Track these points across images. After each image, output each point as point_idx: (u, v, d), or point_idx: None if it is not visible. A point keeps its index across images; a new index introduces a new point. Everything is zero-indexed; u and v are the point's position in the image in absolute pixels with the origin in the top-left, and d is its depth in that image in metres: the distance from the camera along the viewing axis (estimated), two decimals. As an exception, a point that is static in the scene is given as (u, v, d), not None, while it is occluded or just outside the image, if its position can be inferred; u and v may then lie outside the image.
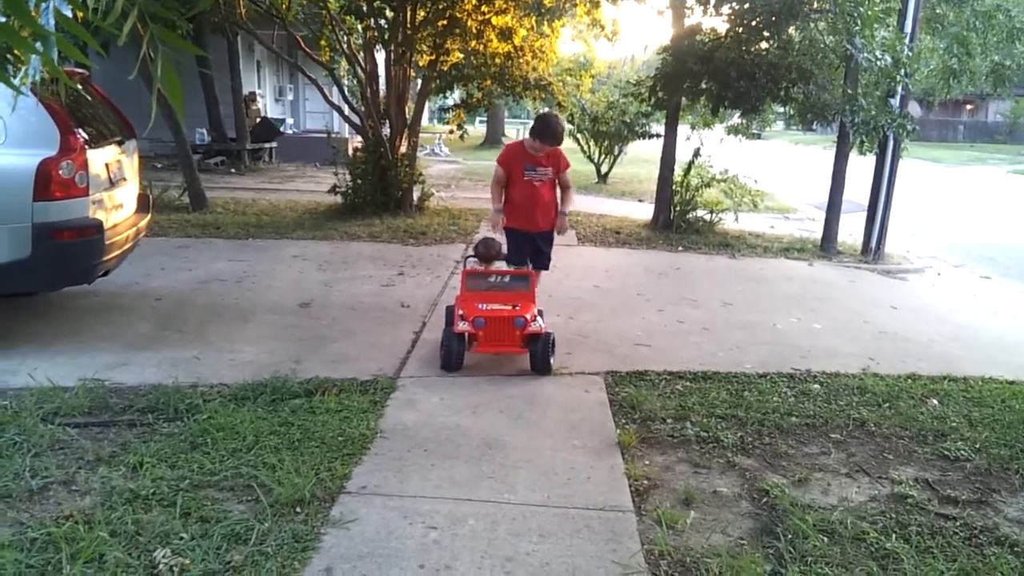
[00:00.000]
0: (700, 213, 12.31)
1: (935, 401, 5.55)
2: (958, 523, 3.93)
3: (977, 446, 4.82)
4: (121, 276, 7.24)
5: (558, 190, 6.62)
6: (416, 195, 12.80)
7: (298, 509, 3.70)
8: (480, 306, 5.72)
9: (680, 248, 11.04)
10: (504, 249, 6.50)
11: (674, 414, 5.07)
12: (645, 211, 13.73)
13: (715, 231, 12.13)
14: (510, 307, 5.74)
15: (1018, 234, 15.25)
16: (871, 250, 11.04)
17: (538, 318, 5.80)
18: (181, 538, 3.41)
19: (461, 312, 5.74)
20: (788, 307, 8.06)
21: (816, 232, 12.10)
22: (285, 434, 4.45)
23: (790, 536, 3.69)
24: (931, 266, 11.10)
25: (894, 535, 3.75)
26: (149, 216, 7.27)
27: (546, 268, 6.78)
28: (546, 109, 5.74)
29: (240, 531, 3.48)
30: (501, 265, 6.40)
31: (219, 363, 5.65)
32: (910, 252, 11.89)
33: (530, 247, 6.56)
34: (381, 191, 12.09)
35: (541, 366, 5.64)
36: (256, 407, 4.80)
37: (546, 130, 6.19)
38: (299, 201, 13.51)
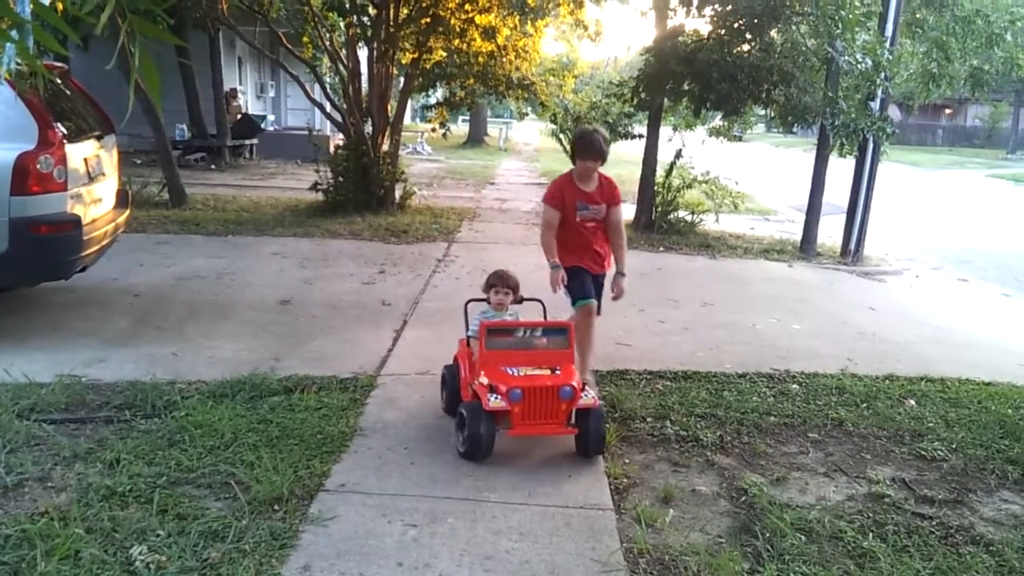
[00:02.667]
0: (681, 214, 12.37)
1: (912, 402, 5.59)
2: (934, 522, 3.97)
3: (953, 446, 4.86)
4: (99, 272, 7.17)
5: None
6: (398, 193, 12.78)
7: (276, 507, 3.68)
8: (510, 371, 4.36)
9: (661, 248, 11.07)
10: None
11: (654, 413, 5.08)
12: (627, 211, 13.69)
13: (696, 232, 12.17)
14: (549, 371, 4.41)
15: (995, 237, 15.41)
16: (850, 252, 11.12)
17: (587, 387, 4.45)
18: (158, 535, 3.38)
19: (487, 381, 4.29)
20: (768, 308, 8.10)
21: (796, 234, 12.17)
22: (264, 431, 4.43)
23: (768, 534, 3.71)
24: (909, 268, 11.19)
25: (871, 534, 3.78)
26: (128, 212, 7.22)
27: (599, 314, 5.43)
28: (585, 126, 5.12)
29: (218, 528, 3.46)
30: (524, 314, 5.08)
31: (197, 360, 5.61)
32: (889, 254, 11.97)
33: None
34: (363, 189, 12.06)
35: (595, 448, 4.36)
36: (234, 404, 4.77)
37: (588, 145, 5.09)
38: (280, 198, 13.44)
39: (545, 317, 5.08)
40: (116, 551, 3.26)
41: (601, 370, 5.87)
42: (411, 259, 9.40)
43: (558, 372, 4.40)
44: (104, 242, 6.48)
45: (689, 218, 12.36)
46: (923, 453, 4.76)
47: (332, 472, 4.06)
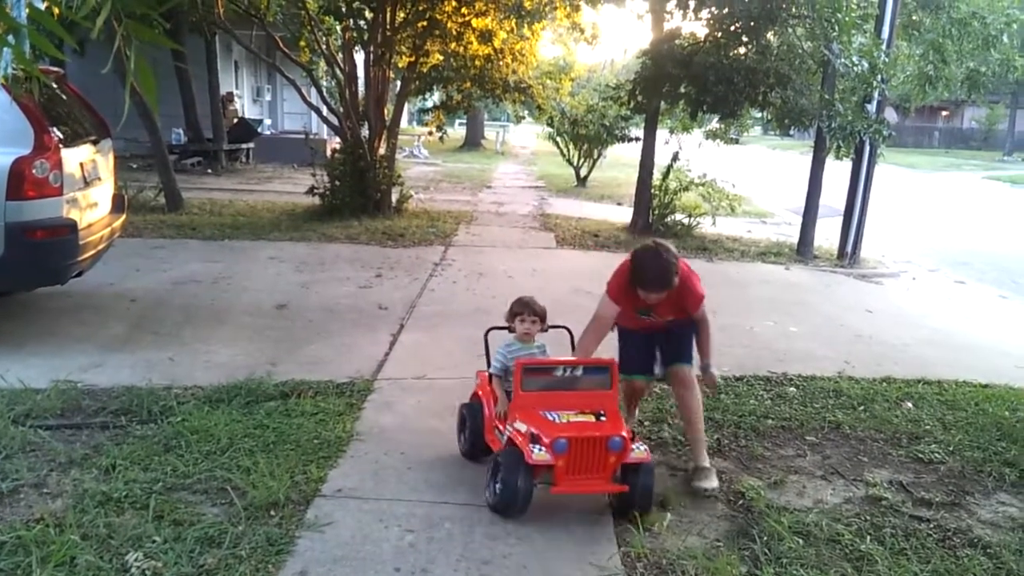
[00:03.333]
0: (678, 217, 12.37)
1: (909, 404, 5.59)
2: (932, 525, 3.96)
3: (951, 449, 4.86)
4: (95, 277, 7.15)
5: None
6: (395, 197, 12.78)
7: (272, 512, 3.67)
8: (550, 416, 3.81)
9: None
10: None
11: (652, 416, 5.08)
12: (624, 214, 13.77)
13: (693, 235, 12.17)
14: (593, 416, 3.85)
15: (992, 239, 15.42)
16: (847, 254, 11.12)
17: (636, 437, 3.92)
18: (154, 541, 3.37)
19: (526, 428, 3.76)
20: (765, 311, 8.10)
21: (793, 236, 12.17)
22: (260, 437, 4.41)
23: (766, 538, 3.71)
24: (906, 270, 11.19)
25: (869, 537, 3.78)
26: (124, 216, 7.21)
27: (690, 361, 4.50)
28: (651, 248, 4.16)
29: (214, 534, 3.45)
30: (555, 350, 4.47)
31: (194, 365, 5.60)
32: (885, 256, 11.98)
33: (659, 343, 4.55)
34: (359, 193, 12.05)
35: (640, 506, 3.81)
36: (231, 409, 4.75)
37: (641, 273, 4.14)
38: (276, 202, 13.43)
39: (573, 347, 4.52)
40: (112, 557, 3.25)
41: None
42: (408, 263, 9.39)
43: (603, 418, 3.85)
44: (100, 247, 6.46)
45: (686, 221, 12.36)
46: (920, 456, 4.76)
47: (329, 477, 4.05)
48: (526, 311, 4.35)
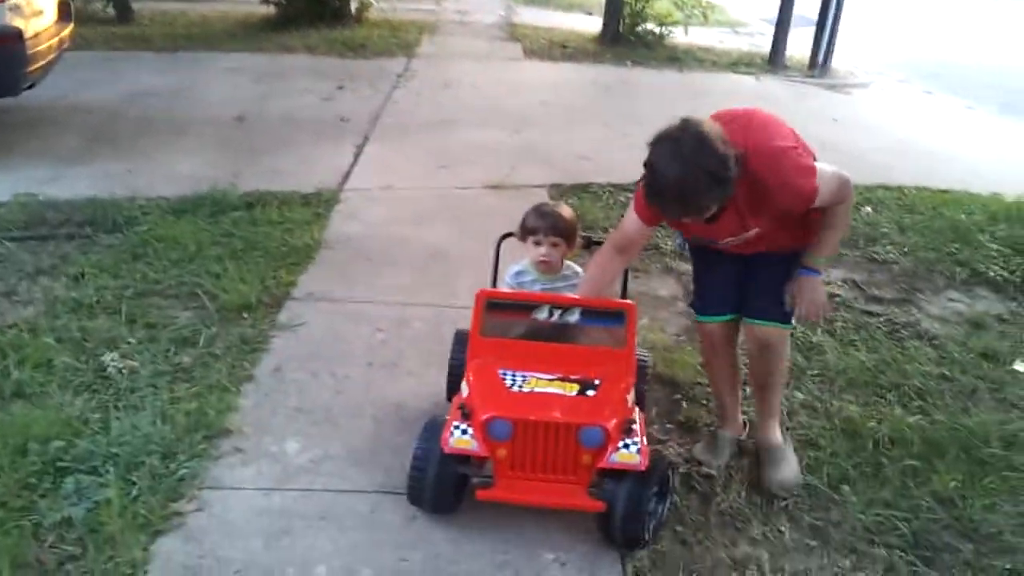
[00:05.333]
0: (650, 26, 12.01)
1: (869, 208, 5.69)
2: (882, 319, 4.15)
3: (905, 250, 5.01)
4: (47, 90, 6.87)
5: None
6: (354, 5, 12.23)
7: (245, 314, 3.75)
8: (509, 380, 2.63)
9: (628, 63, 10.80)
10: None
11: (616, 223, 5.13)
12: (594, 24, 13.32)
13: (664, 45, 11.86)
14: (576, 389, 2.59)
15: (964, 51, 15.23)
16: (818, 64, 10.97)
17: (634, 428, 2.51)
18: (128, 343, 3.46)
19: (468, 392, 2.63)
20: (732, 120, 8.03)
21: (765, 47, 11.90)
22: (227, 244, 4.46)
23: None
24: (876, 81, 11.09)
25: (820, 329, 3.96)
26: (71, 26, 6.88)
27: (785, 320, 2.93)
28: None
29: (188, 335, 3.54)
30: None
31: (155, 176, 5.53)
32: (857, 67, 11.82)
33: (742, 274, 2.96)
34: (316, 1, 11.52)
35: (626, 537, 2.51)
36: (196, 219, 4.76)
37: (658, 194, 2.64)
38: (230, 12, 12.77)
39: (625, 284, 3.28)
40: (88, 358, 3.34)
41: (563, 183, 5.85)
42: (370, 74, 9.11)
43: (592, 392, 2.58)
44: (50, 56, 6.21)
45: (657, 31, 12.02)
46: (875, 256, 4.91)
47: (299, 282, 4.13)
48: (543, 225, 2.97)
